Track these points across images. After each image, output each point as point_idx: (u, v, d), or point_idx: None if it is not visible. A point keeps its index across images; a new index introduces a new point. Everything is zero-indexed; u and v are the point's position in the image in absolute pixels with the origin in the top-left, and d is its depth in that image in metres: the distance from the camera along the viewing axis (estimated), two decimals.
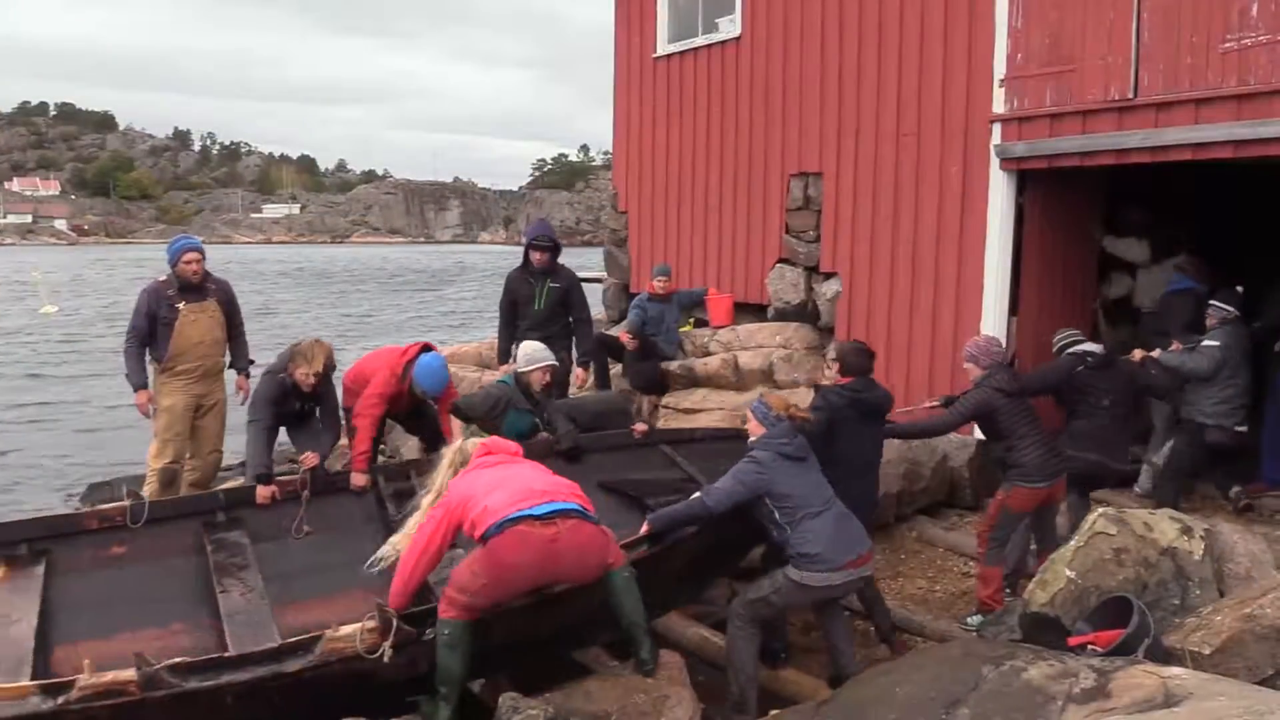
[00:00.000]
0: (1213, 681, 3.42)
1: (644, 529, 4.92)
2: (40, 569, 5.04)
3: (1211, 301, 6.94)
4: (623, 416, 7.08)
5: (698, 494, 5.04)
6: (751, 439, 5.00)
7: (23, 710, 3.68)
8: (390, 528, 5.44)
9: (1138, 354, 6.87)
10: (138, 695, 3.79)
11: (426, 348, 6.47)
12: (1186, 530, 4.72)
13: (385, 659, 4.08)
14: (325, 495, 5.88)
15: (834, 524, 4.76)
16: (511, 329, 8.00)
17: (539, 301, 7.82)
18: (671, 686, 4.46)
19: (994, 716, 3.45)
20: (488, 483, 4.41)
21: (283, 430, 6.56)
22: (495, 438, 5.02)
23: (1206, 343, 6.74)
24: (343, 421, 6.62)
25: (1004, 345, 5.91)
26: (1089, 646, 4.04)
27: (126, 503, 5.40)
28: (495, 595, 4.20)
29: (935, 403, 6.54)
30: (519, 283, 7.95)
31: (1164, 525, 4.74)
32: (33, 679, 4.13)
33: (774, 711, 4.49)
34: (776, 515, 4.79)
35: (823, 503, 4.80)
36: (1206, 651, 3.99)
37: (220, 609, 5.00)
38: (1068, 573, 4.61)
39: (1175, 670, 3.55)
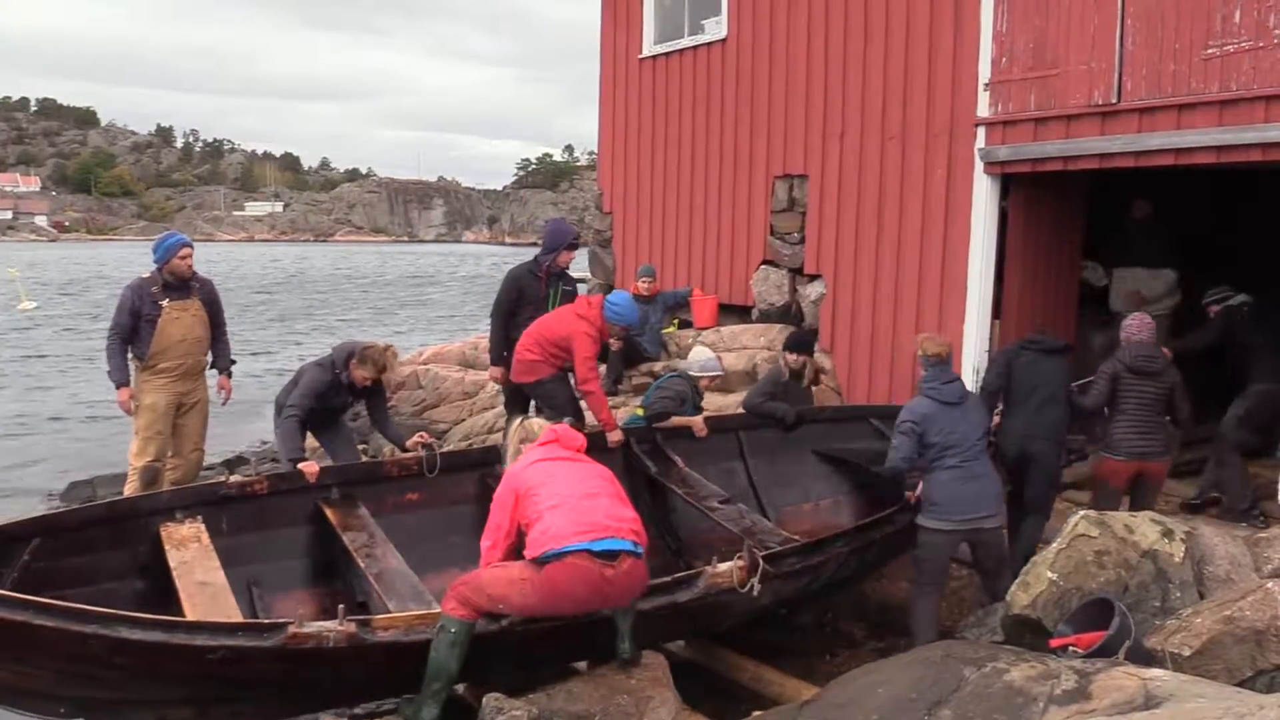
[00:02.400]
0: (1192, 683, 3.44)
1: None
2: (363, 510, 5.50)
3: None
4: None
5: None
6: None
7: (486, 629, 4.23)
8: (651, 480, 6.35)
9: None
10: None
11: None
12: (1167, 533, 4.76)
13: (754, 592, 4.71)
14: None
15: (961, 481, 5.31)
16: (508, 328, 7.54)
17: (553, 302, 7.48)
18: (655, 688, 4.47)
19: (975, 717, 3.46)
20: (553, 491, 4.33)
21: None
22: (565, 427, 4.87)
23: None
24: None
25: (1142, 326, 6.22)
26: (1070, 648, 4.06)
27: (423, 453, 5.93)
28: (535, 613, 4.29)
29: None
30: (531, 281, 7.57)
31: (1145, 528, 4.76)
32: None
33: (756, 713, 4.50)
34: (925, 460, 5.40)
35: (959, 460, 5.33)
36: (1186, 653, 4.02)
37: None
38: (1049, 575, 4.63)
39: (1155, 672, 3.57)
